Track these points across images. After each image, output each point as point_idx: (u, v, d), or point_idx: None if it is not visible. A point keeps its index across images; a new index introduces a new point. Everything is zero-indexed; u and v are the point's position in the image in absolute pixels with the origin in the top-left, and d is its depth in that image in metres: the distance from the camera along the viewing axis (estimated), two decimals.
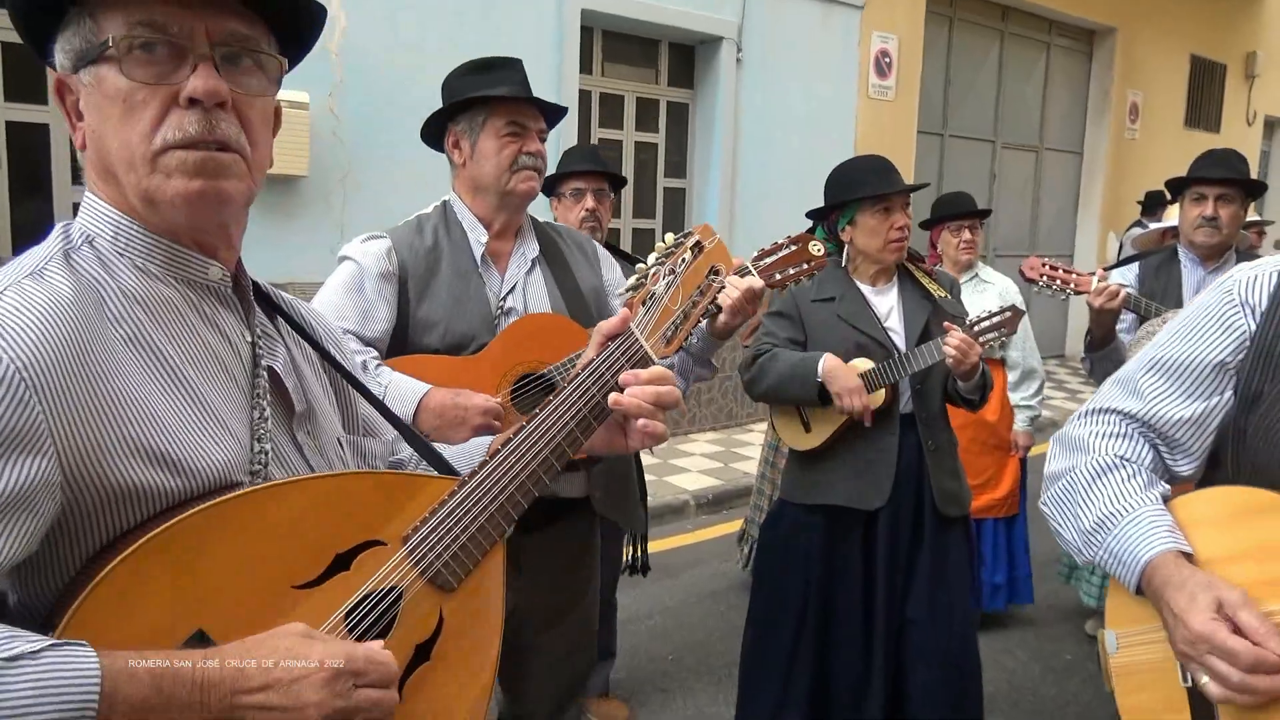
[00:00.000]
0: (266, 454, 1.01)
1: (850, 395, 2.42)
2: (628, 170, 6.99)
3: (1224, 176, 3.02)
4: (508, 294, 2.08)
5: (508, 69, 2.07)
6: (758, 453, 5.23)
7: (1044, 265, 3.47)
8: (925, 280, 2.67)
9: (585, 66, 6.44)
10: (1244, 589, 1.09)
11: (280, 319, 1.15)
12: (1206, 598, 1.09)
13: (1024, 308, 3.92)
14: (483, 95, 2.01)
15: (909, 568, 2.56)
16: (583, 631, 2.23)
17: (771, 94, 7.31)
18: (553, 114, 2.15)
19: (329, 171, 5.29)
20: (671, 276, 1.34)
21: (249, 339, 1.06)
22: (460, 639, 1.05)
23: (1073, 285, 3.27)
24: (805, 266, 2.10)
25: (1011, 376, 3.94)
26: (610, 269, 2.30)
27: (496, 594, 1.09)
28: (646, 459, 6.29)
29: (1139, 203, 7.23)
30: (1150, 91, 11.23)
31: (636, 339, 1.20)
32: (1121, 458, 1.30)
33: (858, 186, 2.55)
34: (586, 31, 6.37)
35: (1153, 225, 5.68)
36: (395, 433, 1.27)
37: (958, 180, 8.85)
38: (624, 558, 3.42)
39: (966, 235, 3.91)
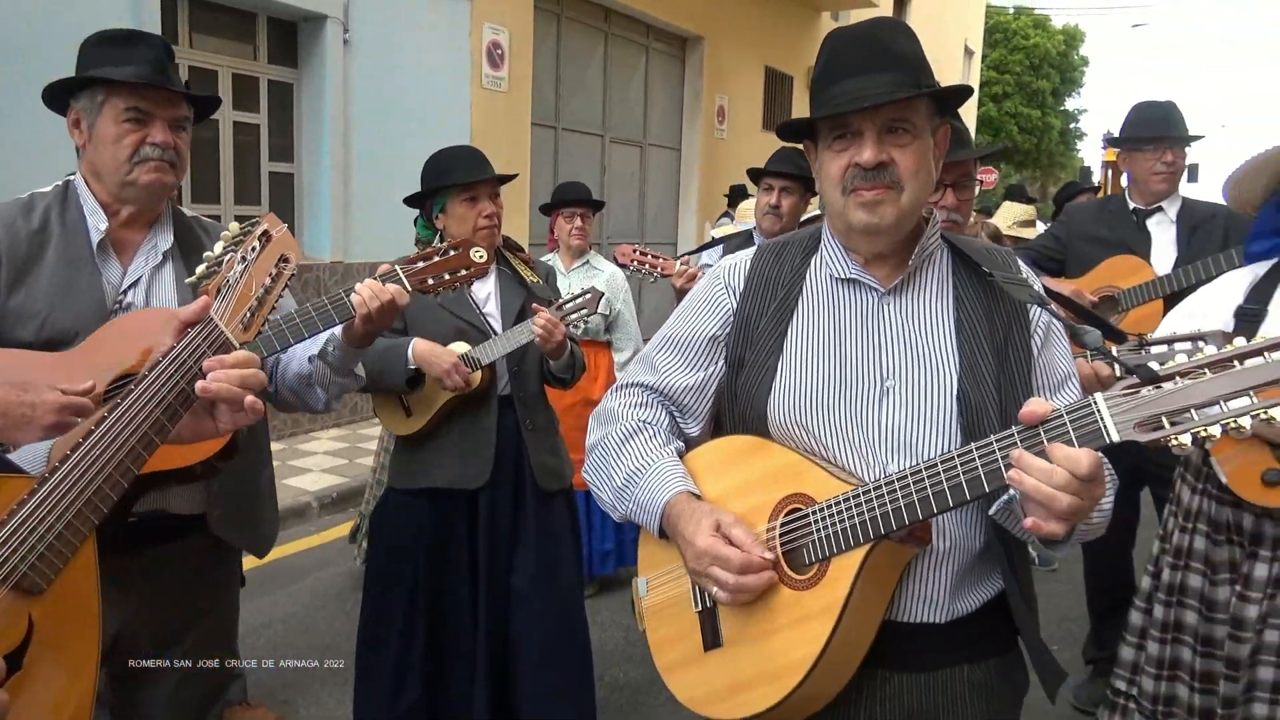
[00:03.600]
0: None
1: (449, 374, 2.48)
2: (225, 153, 6.47)
3: (786, 171, 3.51)
4: (129, 288, 1.88)
5: (141, 46, 1.87)
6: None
7: (634, 251, 3.82)
8: (521, 267, 2.81)
9: (170, 37, 5.84)
10: (736, 515, 1.32)
11: None
12: (708, 521, 1.30)
13: (629, 295, 4.30)
14: (100, 78, 1.81)
15: (513, 543, 2.68)
16: (205, 656, 2.03)
17: (383, 79, 7.16)
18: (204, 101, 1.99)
19: None
20: (244, 264, 1.35)
21: None
22: (56, 640, 1.02)
23: (659, 269, 3.65)
24: (465, 272, 2.05)
25: (619, 358, 4.26)
26: None
27: (91, 588, 1.07)
28: None
29: (725, 195, 8.15)
30: (734, 96, 12.64)
31: (217, 325, 1.20)
32: (644, 422, 1.50)
33: (447, 175, 2.61)
34: None
35: (732, 216, 6.43)
36: None
37: (572, 171, 9.34)
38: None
39: (579, 222, 4.16)
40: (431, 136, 7.48)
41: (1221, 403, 0.98)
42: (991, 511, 1.23)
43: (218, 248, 1.45)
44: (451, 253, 2.04)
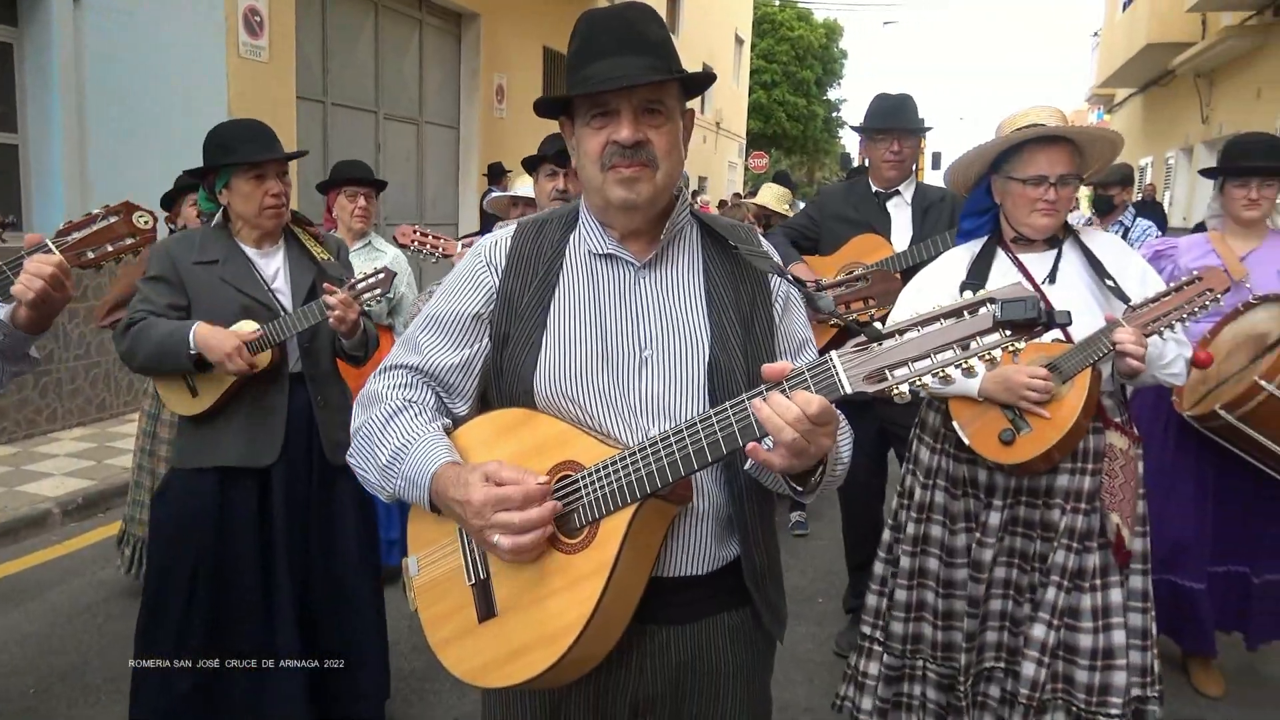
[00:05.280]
0: None
1: (231, 358, 2.42)
2: None
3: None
4: None
5: None
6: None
7: (414, 232, 3.72)
8: (311, 243, 2.73)
9: None
10: (501, 461, 1.31)
11: None
12: (476, 475, 1.29)
13: (412, 277, 4.19)
14: None
15: (306, 521, 2.64)
16: None
17: (123, 43, 6.50)
18: None
19: None
20: None
21: None
22: None
23: (441, 249, 3.58)
24: (129, 241, 1.88)
25: None
26: None
27: None
28: None
29: (484, 175, 8.02)
30: (512, 76, 12.53)
31: None
32: (409, 400, 1.47)
33: (232, 151, 2.52)
34: None
35: (499, 192, 6.39)
36: None
37: (344, 149, 8.91)
38: None
39: (362, 202, 4.01)
40: (184, 108, 6.92)
41: (932, 355, 1.10)
42: (746, 466, 1.31)
43: None
44: (112, 219, 1.87)
